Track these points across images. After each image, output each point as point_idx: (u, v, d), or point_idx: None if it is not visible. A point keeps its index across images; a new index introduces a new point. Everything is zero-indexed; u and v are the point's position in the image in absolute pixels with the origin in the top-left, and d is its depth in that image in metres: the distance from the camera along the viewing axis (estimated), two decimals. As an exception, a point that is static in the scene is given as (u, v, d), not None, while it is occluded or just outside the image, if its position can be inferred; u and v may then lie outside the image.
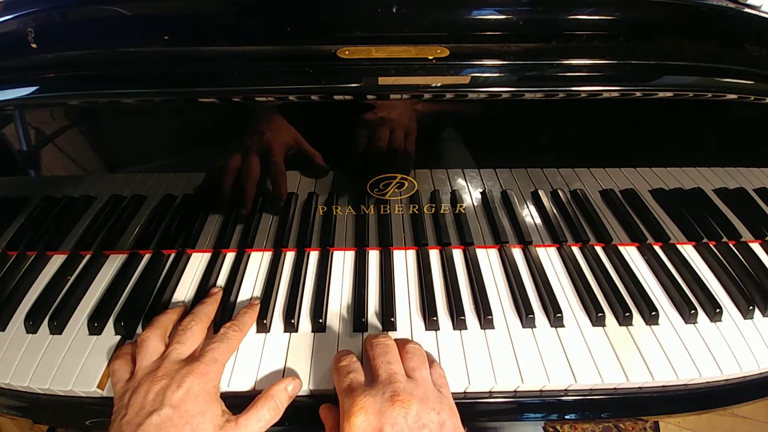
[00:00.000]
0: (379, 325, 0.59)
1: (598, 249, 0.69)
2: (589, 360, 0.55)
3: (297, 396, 0.53)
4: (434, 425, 0.43)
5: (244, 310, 0.58)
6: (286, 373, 0.54)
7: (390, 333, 0.58)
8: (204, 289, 0.62)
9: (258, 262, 0.67)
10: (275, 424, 0.54)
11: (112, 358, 0.53)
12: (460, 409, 0.48)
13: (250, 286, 0.64)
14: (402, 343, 0.52)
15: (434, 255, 0.68)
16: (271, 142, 0.57)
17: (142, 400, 0.45)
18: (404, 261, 0.68)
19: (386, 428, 0.42)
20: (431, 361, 0.52)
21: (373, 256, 0.68)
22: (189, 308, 0.60)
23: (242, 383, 0.53)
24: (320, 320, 0.58)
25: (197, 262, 0.67)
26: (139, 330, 0.58)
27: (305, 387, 0.53)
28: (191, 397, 0.46)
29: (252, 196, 0.62)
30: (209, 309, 0.57)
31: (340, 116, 0.56)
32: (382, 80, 0.52)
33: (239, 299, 0.62)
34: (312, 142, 0.57)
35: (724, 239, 0.70)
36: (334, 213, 0.65)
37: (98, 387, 0.52)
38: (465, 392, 0.54)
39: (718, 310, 0.60)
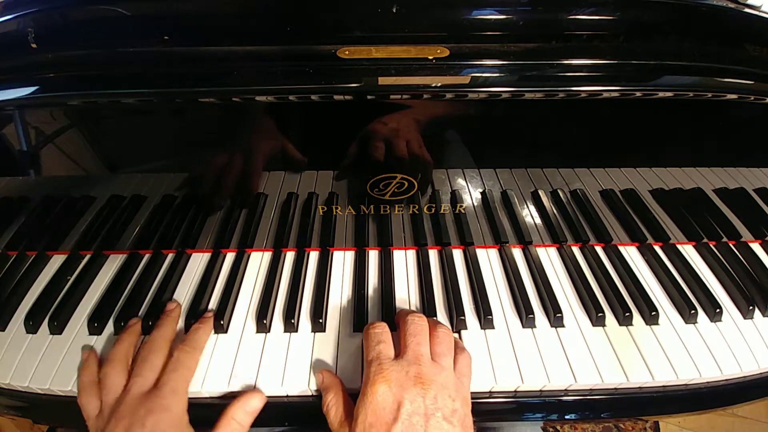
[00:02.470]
0: (379, 325, 0.59)
1: (598, 249, 0.69)
2: (589, 360, 0.55)
3: (298, 396, 0.54)
4: (448, 410, 0.44)
5: (196, 326, 0.56)
6: (286, 373, 0.54)
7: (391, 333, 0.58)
8: (204, 289, 0.62)
9: (258, 262, 0.67)
10: (277, 425, 0.55)
11: (78, 389, 0.52)
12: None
13: (250, 286, 0.64)
14: (433, 325, 0.53)
15: (434, 255, 0.68)
16: (271, 142, 0.57)
17: None
18: (404, 261, 0.68)
19: (405, 402, 0.44)
20: (460, 348, 0.53)
21: (373, 256, 0.68)
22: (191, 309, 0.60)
23: (242, 385, 0.53)
24: (320, 320, 0.58)
25: (197, 262, 0.67)
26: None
27: (306, 387, 0.53)
28: None
29: (254, 194, 0.62)
30: (166, 331, 0.55)
31: (341, 116, 0.56)
32: (382, 80, 0.52)
33: (239, 299, 0.62)
34: (313, 141, 0.58)
35: (724, 239, 0.70)
36: (334, 213, 0.65)
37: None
38: (465, 392, 0.54)
39: (718, 310, 0.60)
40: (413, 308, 0.61)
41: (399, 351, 0.50)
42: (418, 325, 0.51)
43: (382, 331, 0.51)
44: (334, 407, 0.49)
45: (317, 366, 0.54)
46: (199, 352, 0.54)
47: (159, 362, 0.52)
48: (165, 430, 0.46)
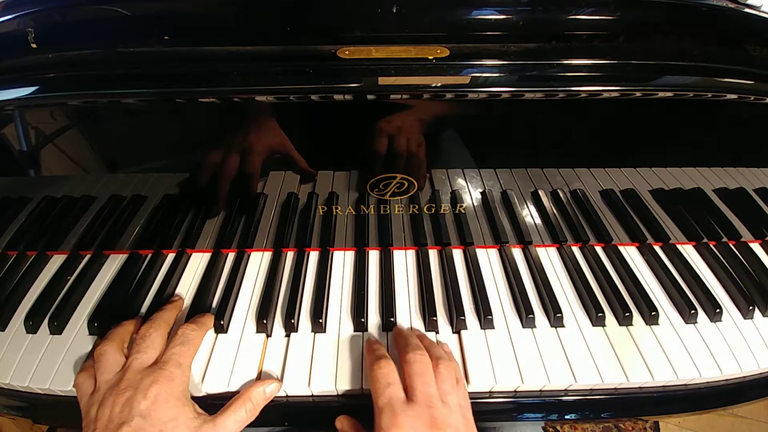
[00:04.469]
0: (380, 325, 0.59)
1: (598, 249, 0.69)
2: (589, 360, 0.55)
3: (298, 396, 0.54)
4: None
5: (202, 314, 0.58)
6: (286, 372, 0.54)
7: (390, 334, 0.58)
8: (204, 289, 0.62)
9: (258, 262, 0.67)
10: (276, 425, 0.55)
11: (79, 370, 0.52)
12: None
13: (250, 286, 0.64)
14: (435, 361, 0.51)
15: (434, 255, 0.68)
16: (272, 142, 0.57)
17: (110, 414, 0.45)
18: (404, 261, 0.68)
19: None
20: (458, 379, 0.51)
21: (373, 256, 0.68)
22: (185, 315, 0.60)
23: (242, 384, 0.53)
24: (320, 320, 0.58)
25: (197, 262, 0.67)
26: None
27: (306, 387, 0.53)
28: (160, 404, 0.45)
29: (254, 194, 0.62)
30: (168, 315, 0.57)
31: (341, 116, 0.56)
32: (382, 80, 0.52)
33: (239, 299, 0.62)
34: (313, 142, 0.58)
35: (724, 239, 0.70)
36: (334, 213, 0.65)
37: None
38: (465, 392, 0.54)
39: (718, 310, 0.60)
40: (413, 308, 0.61)
41: (405, 388, 0.48)
42: (422, 363, 0.50)
43: (389, 371, 0.49)
44: None
45: (317, 366, 0.54)
46: (205, 332, 0.55)
47: (159, 341, 0.52)
48: (168, 400, 0.46)
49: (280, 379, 0.53)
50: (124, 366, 0.49)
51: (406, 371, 0.50)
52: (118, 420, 0.44)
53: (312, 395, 0.54)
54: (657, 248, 0.69)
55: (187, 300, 0.62)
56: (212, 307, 0.61)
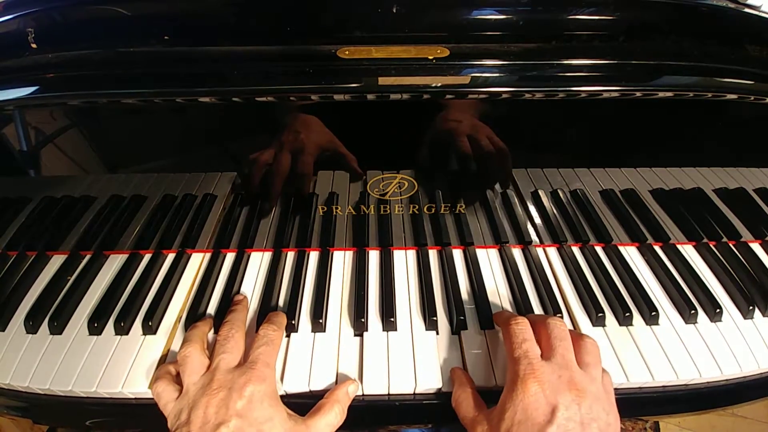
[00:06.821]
0: (380, 326, 0.59)
1: (598, 249, 0.69)
2: (589, 360, 0.55)
3: (298, 394, 0.53)
4: (603, 422, 0.43)
5: (275, 312, 0.58)
6: (286, 372, 0.54)
7: (390, 334, 0.58)
8: (204, 289, 0.62)
9: (258, 262, 0.67)
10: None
11: (152, 380, 0.52)
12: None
13: (250, 286, 0.64)
14: (577, 336, 0.51)
15: (434, 255, 0.68)
16: (272, 142, 0.57)
17: (204, 415, 0.44)
18: (404, 261, 0.68)
19: (560, 407, 0.42)
20: (603, 368, 0.50)
21: (373, 257, 0.68)
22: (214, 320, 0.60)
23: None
24: (320, 321, 0.58)
25: (197, 262, 0.67)
26: (138, 329, 0.58)
27: (306, 387, 0.53)
28: (256, 404, 0.45)
29: (254, 194, 0.62)
30: (242, 315, 0.57)
31: (344, 114, 0.56)
32: (382, 80, 0.52)
33: (239, 299, 0.62)
34: (310, 142, 0.58)
35: (724, 239, 0.70)
36: (334, 213, 0.65)
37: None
38: (465, 392, 0.54)
39: (718, 310, 0.60)
40: (414, 308, 0.61)
41: (543, 352, 0.48)
42: (562, 330, 0.49)
43: (525, 328, 0.50)
44: (465, 401, 0.49)
45: (317, 367, 0.54)
46: (283, 331, 0.56)
47: (241, 342, 0.53)
48: (262, 400, 0.46)
49: (280, 377, 0.53)
50: (210, 367, 0.50)
51: (545, 335, 0.50)
52: (215, 420, 0.44)
53: (311, 394, 0.53)
54: (657, 248, 0.69)
55: (189, 300, 0.62)
56: (210, 308, 0.61)
